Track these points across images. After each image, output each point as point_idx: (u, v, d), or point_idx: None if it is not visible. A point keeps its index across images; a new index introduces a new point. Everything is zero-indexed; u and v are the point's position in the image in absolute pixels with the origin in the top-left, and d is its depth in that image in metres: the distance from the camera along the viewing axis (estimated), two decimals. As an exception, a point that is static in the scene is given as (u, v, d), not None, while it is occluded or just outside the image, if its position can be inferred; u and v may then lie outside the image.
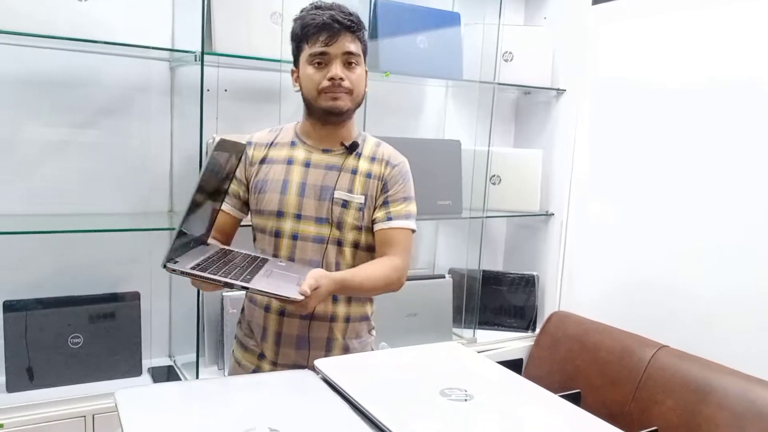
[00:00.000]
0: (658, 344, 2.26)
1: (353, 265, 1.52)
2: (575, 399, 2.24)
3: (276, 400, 0.93)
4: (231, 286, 1.16)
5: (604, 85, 2.59)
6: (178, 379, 2.17)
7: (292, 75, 1.55)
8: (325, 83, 1.45)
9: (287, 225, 1.51)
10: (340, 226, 1.50)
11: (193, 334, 2.13)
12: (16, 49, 1.94)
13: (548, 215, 2.79)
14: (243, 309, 1.64)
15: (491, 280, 2.77)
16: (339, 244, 1.51)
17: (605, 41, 2.59)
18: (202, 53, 1.95)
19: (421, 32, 2.43)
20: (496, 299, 2.77)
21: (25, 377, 1.94)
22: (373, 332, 1.67)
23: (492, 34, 2.60)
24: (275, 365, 1.53)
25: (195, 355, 2.13)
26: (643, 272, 2.43)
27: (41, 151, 2.02)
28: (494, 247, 3.01)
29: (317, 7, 1.49)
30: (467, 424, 0.86)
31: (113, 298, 2.11)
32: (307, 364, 1.50)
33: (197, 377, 2.11)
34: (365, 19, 2.30)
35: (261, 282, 1.20)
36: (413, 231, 1.56)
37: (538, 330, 2.71)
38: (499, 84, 2.63)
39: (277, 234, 1.52)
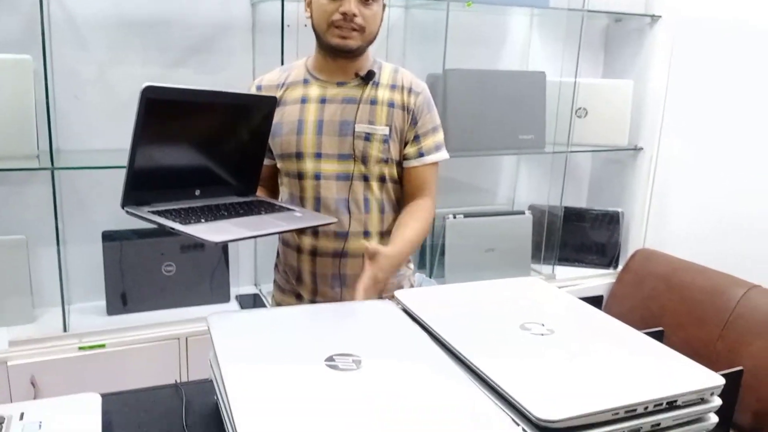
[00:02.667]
0: (750, 284, 2.16)
1: (382, 200, 1.49)
2: (658, 337, 2.16)
3: (358, 328, 0.95)
4: (164, 228, 1.13)
5: (703, 10, 2.40)
6: (263, 305, 2.27)
7: (305, 1, 1.45)
8: (337, 17, 1.37)
9: (308, 165, 1.47)
10: (365, 160, 1.45)
11: (277, 265, 2.20)
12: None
13: (637, 150, 2.67)
14: (278, 253, 1.64)
15: (573, 216, 2.70)
16: (365, 179, 1.47)
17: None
18: (283, -12, 1.94)
19: (504, -43, 2.31)
20: (577, 236, 2.71)
21: (123, 302, 2.08)
22: (411, 265, 1.64)
23: (581, -43, 2.44)
24: (314, 303, 1.53)
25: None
26: (735, 210, 2.30)
27: (134, 90, 2.08)
28: (578, 182, 2.92)
29: None
30: (547, 358, 0.86)
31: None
32: (343, 300, 1.50)
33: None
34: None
35: (202, 227, 1.16)
36: (444, 159, 1.53)
37: (620, 267, 2.64)
38: (589, 11, 2.48)
39: (300, 176, 1.48)
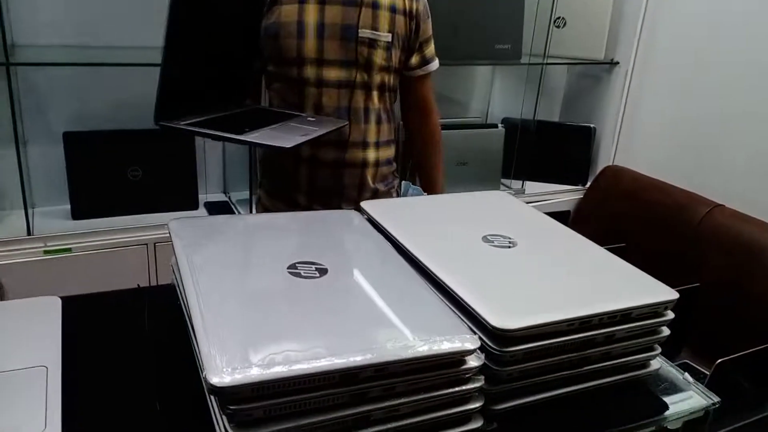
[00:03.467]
0: (713, 203, 2.20)
1: (380, 110, 1.47)
2: (619, 253, 2.21)
3: (322, 237, 0.95)
4: (226, 140, 1.10)
5: None
6: (231, 213, 2.25)
7: None
8: None
9: (309, 72, 1.41)
10: (368, 67, 1.41)
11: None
12: None
13: (613, 64, 2.63)
14: (265, 157, 1.61)
15: (546, 131, 2.69)
16: (367, 87, 1.43)
17: None
18: None
19: None
20: (549, 151, 2.71)
21: (89, 206, 2.04)
22: (397, 174, 1.66)
23: None
24: (309, 210, 1.53)
25: (249, 192, 2.19)
26: (704, 130, 2.31)
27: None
28: (552, 96, 2.89)
29: None
30: (508, 269, 0.87)
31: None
32: (339, 209, 1.50)
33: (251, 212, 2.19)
34: None
35: (256, 134, 1.12)
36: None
37: (589, 184, 2.66)
38: None
39: (300, 82, 1.42)
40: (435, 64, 1.54)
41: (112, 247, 1.96)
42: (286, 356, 0.64)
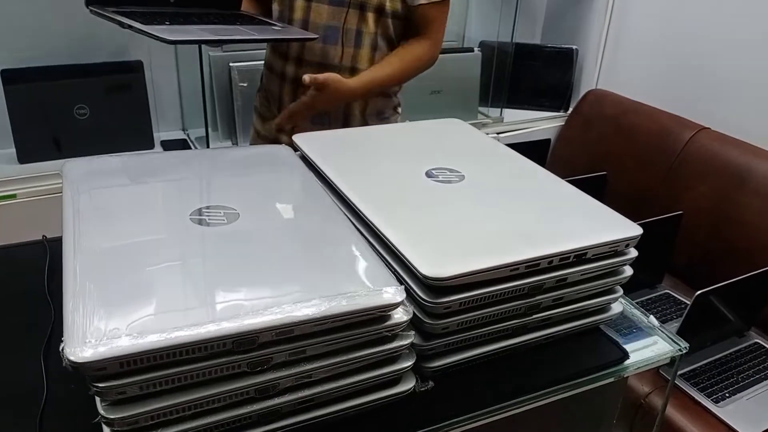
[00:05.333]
0: (699, 126, 2.09)
1: (376, 34, 1.33)
2: (600, 181, 2.13)
3: (241, 176, 0.83)
4: (128, 28, 1.04)
5: None
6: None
7: None
8: None
9: None
10: None
11: (204, 108, 2.04)
12: None
13: (596, -20, 2.45)
14: (262, 77, 1.51)
15: (525, 54, 2.53)
16: (361, 8, 1.30)
17: None
18: None
19: None
20: (529, 76, 2.55)
21: (35, 149, 1.91)
22: (399, 109, 1.53)
23: None
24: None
25: (205, 129, 2.06)
26: (693, 50, 2.16)
27: None
28: (532, 17, 2.71)
29: None
30: (448, 207, 0.76)
31: (116, 67, 2.00)
32: None
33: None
34: None
35: (165, 27, 1.07)
36: None
37: (571, 110, 2.53)
38: None
39: None
40: None
41: (59, 192, 1.84)
42: (165, 321, 0.54)
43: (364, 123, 1.43)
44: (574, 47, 2.52)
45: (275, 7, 1.39)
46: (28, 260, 0.88)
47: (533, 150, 2.34)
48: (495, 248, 0.68)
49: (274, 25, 1.30)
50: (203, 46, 1.97)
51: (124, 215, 0.70)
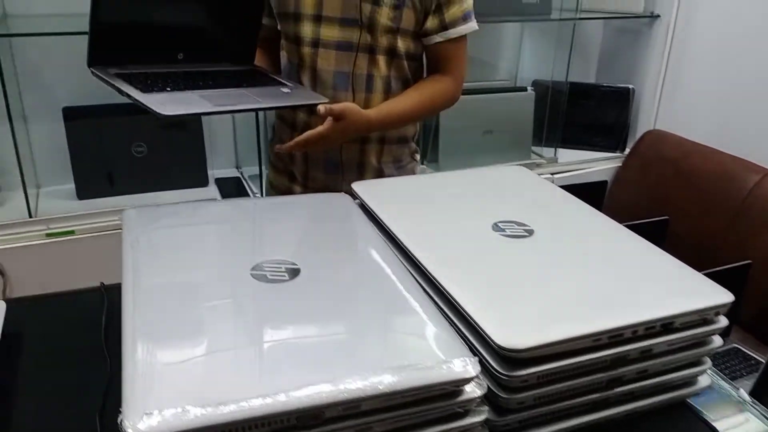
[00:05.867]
0: (765, 170, 1.99)
1: (389, 77, 1.29)
2: (662, 227, 2.05)
3: (299, 227, 0.81)
4: (123, 94, 1.04)
5: None
6: (244, 190, 2.14)
7: None
8: None
9: (306, 29, 1.26)
10: (371, 28, 1.23)
11: (260, 146, 2.05)
12: None
13: (653, 17, 2.39)
14: (274, 127, 1.48)
15: (580, 93, 2.48)
16: (371, 51, 1.26)
17: None
18: None
19: None
20: (583, 115, 2.50)
21: (94, 185, 1.95)
22: (417, 156, 1.47)
23: None
24: (306, 188, 1.40)
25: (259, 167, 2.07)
26: (756, 90, 2.08)
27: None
28: (586, 55, 2.66)
29: None
30: (520, 267, 0.72)
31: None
32: (340, 188, 1.36)
33: (261, 189, 2.07)
34: None
35: (163, 96, 1.05)
36: (474, 30, 1.31)
37: (628, 150, 2.46)
38: None
39: (297, 41, 1.28)
40: (461, 29, 1.29)
41: (117, 229, 1.86)
42: (227, 392, 0.50)
43: (380, 171, 1.38)
44: (630, 86, 2.46)
45: (283, 54, 1.37)
46: (86, 309, 0.86)
47: (589, 192, 2.28)
48: (574, 315, 0.64)
49: (284, 84, 1.26)
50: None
51: (184, 270, 0.68)
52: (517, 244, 0.76)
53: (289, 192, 1.44)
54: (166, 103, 1.01)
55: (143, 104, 1.00)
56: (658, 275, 0.73)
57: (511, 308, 0.64)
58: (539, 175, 1.07)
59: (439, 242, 0.76)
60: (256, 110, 1.12)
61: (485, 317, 0.62)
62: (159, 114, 0.97)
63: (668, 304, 0.66)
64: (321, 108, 1.14)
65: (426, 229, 0.79)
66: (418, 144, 1.49)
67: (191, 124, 2.03)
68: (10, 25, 1.78)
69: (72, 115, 1.88)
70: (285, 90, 1.22)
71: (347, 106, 1.17)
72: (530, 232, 0.78)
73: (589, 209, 0.88)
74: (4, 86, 1.67)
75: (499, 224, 0.80)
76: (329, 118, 1.16)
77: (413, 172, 1.44)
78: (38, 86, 1.92)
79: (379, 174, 1.38)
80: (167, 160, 2.01)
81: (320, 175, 1.38)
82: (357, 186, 0.89)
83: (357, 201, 0.89)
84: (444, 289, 0.67)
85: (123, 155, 1.95)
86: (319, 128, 1.17)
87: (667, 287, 0.70)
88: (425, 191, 0.91)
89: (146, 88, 1.05)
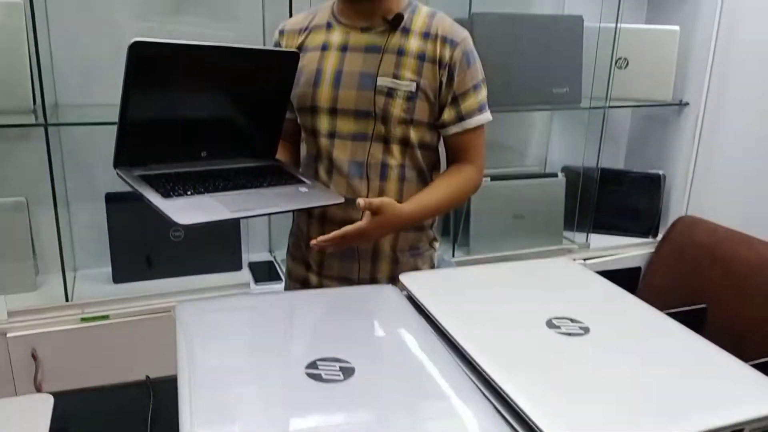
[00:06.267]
0: (805, 257, 1.96)
1: (403, 166, 1.32)
2: (700, 315, 2.01)
3: (350, 322, 0.81)
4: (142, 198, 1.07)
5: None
6: (276, 274, 2.15)
7: None
8: None
9: (322, 122, 1.31)
10: (385, 119, 1.27)
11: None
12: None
13: (682, 105, 2.43)
14: (294, 215, 1.50)
15: (610, 179, 2.49)
16: (385, 141, 1.30)
17: None
18: None
19: None
20: (614, 201, 2.51)
21: (130, 269, 1.97)
22: (436, 244, 1.46)
23: None
24: (320, 276, 1.40)
25: (292, 252, 2.08)
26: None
27: (138, 36, 1.95)
28: (615, 141, 2.70)
29: None
30: (578, 366, 0.70)
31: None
32: (354, 277, 1.37)
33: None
34: None
35: (182, 201, 1.07)
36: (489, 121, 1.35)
37: (660, 236, 2.44)
38: (633, -52, 2.23)
39: (314, 133, 1.33)
40: (477, 119, 1.32)
41: (151, 313, 1.88)
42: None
43: (395, 259, 1.37)
44: (660, 173, 2.47)
45: (303, 146, 1.41)
46: (131, 403, 0.86)
47: (623, 278, 2.25)
48: (638, 421, 0.62)
49: (303, 183, 1.29)
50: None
51: (239, 370, 0.67)
52: (573, 343, 0.75)
53: (305, 280, 1.45)
54: (185, 211, 1.04)
55: (163, 212, 1.03)
56: (720, 375, 0.71)
57: (572, 413, 0.63)
58: (573, 259, 1.06)
59: (494, 340, 0.75)
60: (272, 214, 1.15)
61: (544, 419, 0.60)
62: (176, 223, 1.00)
63: (734, 408, 0.64)
64: (360, 201, 1.16)
65: (479, 325, 0.78)
66: (447, 230, 1.49)
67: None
68: (61, 115, 1.86)
69: (114, 200, 1.93)
70: (303, 189, 1.25)
71: (384, 200, 1.19)
72: (586, 330, 0.77)
73: (642, 304, 0.87)
74: (51, 172, 1.73)
75: (554, 321, 0.79)
76: (368, 213, 1.17)
77: (431, 260, 1.44)
78: (83, 172, 1.98)
79: (395, 262, 1.37)
80: (203, 244, 2.04)
81: (335, 264, 1.38)
82: (405, 278, 0.90)
83: (405, 293, 0.89)
84: (503, 391, 0.65)
85: (161, 239, 1.99)
86: (358, 223, 1.18)
87: (732, 389, 0.68)
88: (474, 284, 0.91)
89: (166, 193, 1.08)
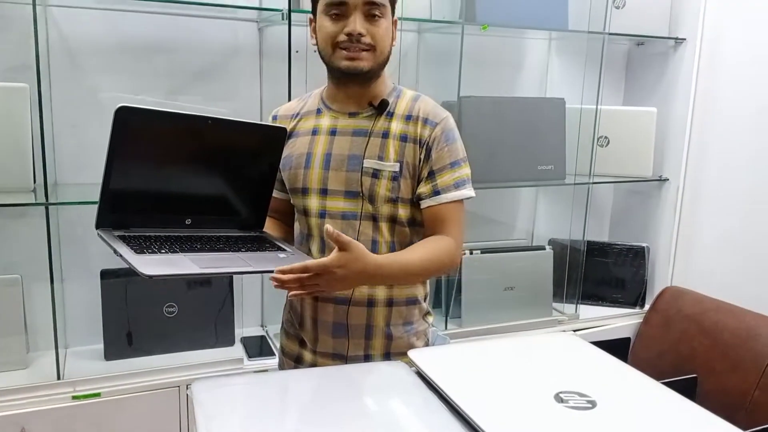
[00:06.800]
0: (788, 326, 2.02)
1: (392, 243, 1.36)
2: (691, 385, 2.03)
3: (362, 399, 0.82)
4: (116, 253, 1.07)
5: (731, 34, 2.29)
6: (269, 349, 2.14)
7: (310, 25, 1.36)
8: (342, 37, 1.27)
9: (313, 202, 1.36)
10: (372, 199, 1.33)
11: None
12: (108, 14, 1.92)
13: (662, 180, 2.54)
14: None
15: (595, 251, 2.56)
16: (374, 219, 1.34)
17: (734, -17, 2.28)
18: (289, 11, 1.85)
19: (522, -21, 2.22)
20: (600, 272, 2.57)
21: (122, 346, 1.96)
22: (430, 318, 1.48)
23: (602, -23, 2.34)
24: (315, 353, 1.41)
25: (285, 326, 2.09)
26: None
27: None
28: (599, 215, 2.79)
29: None
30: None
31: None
32: (348, 354, 1.38)
33: (288, 348, 2.07)
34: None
35: (157, 257, 1.07)
36: (469, 197, 1.37)
37: (647, 306, 2.49)
38: (610, 34, 2.37)
39: (305, 213, 1.38)
40: (453, 195, 1.34)
41: (143, 390, 1.86)
42: None
43: (389, 335, 1.38)
44: (644, 245, 2.55)
45: (296, 225, 1.45)
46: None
47: (614, 349, 2.27)
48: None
49: (284, 250, 1.28)
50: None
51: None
52: (583, 418, 0.77)
53: (299, 357, 1.46)
54: (153, 264, 1.02)
55: (130, 264, 1.02)
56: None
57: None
58: (563, 330, 1.09)
59: (506, 415, 0.77)
60: (242, 273, 1.14)
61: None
62: (142, 274, 0.99)
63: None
64: (329, 227, 1.13)
65: (490, 400, 0.80)
66: (438, 302, 1.51)
67: (221, 284, 2.08)
68: (60, 194, 1.89)
69: (109, 276, 1.94)
70: (282, 255, 1.25)
71: (354, 241, 1.16)
72: (593, 403, 0.80)
73: (642, 375, 0.90)
74: (50, 251, 1.75)
75: (561, 395, 0.81)
76: (335, 249, 1.14)
77: (425, 334, 1.45)
78: (78, 248, 1.99)
79: (387, 336, 1.38)
80: (196, 320, 2.04)
81: (328, 339, 1.39)
82: (413, 354, 0.92)
83: (414, 369, 0.91)
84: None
85: (154, 316, 1.99)
86: (323, 258, 1.14)
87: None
88: (481, 360, 0.94)
89: (140, 250, 1.08)
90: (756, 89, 2.21)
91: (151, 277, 0.99)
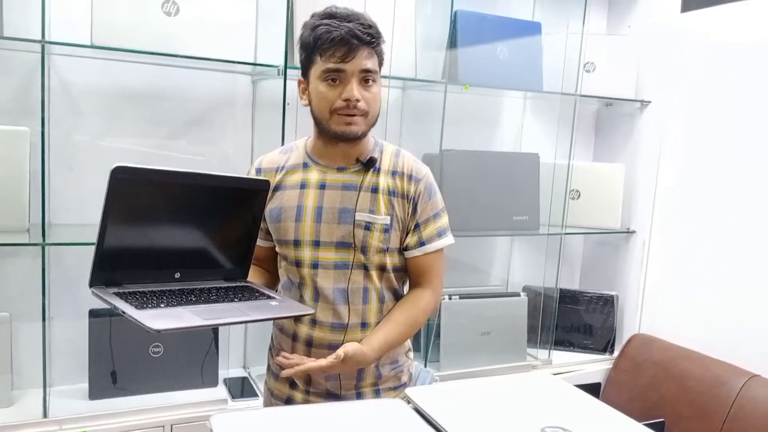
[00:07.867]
0: (749, 373, 2.13)
1: (381, 289, 1.45)
2: (659, 429, 2.12)
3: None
4: (115, 310, 1.12)
5: (693, 96, 2.47)
6: (251, 390, 2.18)
7: (299, 86, 1.42)
8: (340, 103, 1.34)
9: (306, 253, 1.42)
10: (364, 250, 1.41)
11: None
12: (105, 63, 1.99)
13: (629, 233, 2.68)
14: (272, 337, 1.57)
15: (567, 299, 2.68)
16: (365, 268, 1.43)
17: (694, 51, 2.46)
18: (285, 67, 1.95)
19: (501, 43, 2.38)
20: (571, 319, 2.68)
21: (107, 385, 1.98)
22: (411, 354, 1.58)
23: (574, 44, 2.52)
24: (308, 393, 1.47)
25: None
26: (731, 295, 2.29)
27: (127, 161, 2.07)
28: (570, 264, 2.92)
29: (333, 16, 1.34)
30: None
31: (192, 308, 2.14)
32: (339, 393, 1.45)
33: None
34: (445, 30, 2.27)
35: (158, 311, 1.12)
36: (449, 244, 1.50)
37: (617, 353, 2.60)
38: (581, 96, 2.54)
39: (298, 263, 1.44)
40: (436, 244, 1.46)
41: (128, 430, 1.87)
42: None
43: (378, 374, 1.46)
44: (614, 293, 2.67)
45: (282, 273, 1.51)
46: None
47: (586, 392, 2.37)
48: None
49: (273, 298, 1.34)
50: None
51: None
52: (566, 451, 0.86)
53: (289, 398, 1.50)
54: (158, 319, 1.07)
55: (136, 320, 1.06)
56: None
57: None
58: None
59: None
60: (244, 323, 1.20)
61: None
62: (151, 329, 1.03)
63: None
64: (341, 353, 1.30)
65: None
66: (417, 346, 1.59)
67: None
68: (52, 234, 1.92)
69: (97, 316, 1.97)
70: (273, 303, 1.31)
71: (351, 347, 1.31)
72: (574, 439, 0.89)
73: (620, 415, 0.99)
74: (44, 290, 1.78)
75: (547, 430, 0.90)
76: (335, 355, 1.30)
77: (409, 370, 1.54)
78: (66, 288, 2.02)
79: (377, 375, 1.47)
80: (180, 361, 2.07)
81: (321, 381, 1.45)
82: (411, 392, 1.00)
83: (411, 405, 0.99)
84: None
85: (140, 356, 2.01)
86: (323, 363, 1.30)
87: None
88: (472, 397, 1.02)
89: (140, 306, 1.12)
90: (717, 150, 2.37)
91: (159, 331, 1.03)
